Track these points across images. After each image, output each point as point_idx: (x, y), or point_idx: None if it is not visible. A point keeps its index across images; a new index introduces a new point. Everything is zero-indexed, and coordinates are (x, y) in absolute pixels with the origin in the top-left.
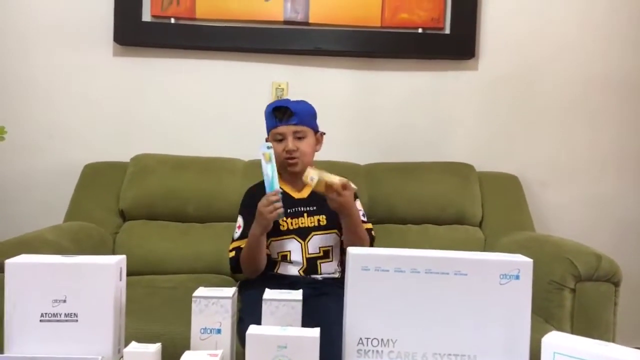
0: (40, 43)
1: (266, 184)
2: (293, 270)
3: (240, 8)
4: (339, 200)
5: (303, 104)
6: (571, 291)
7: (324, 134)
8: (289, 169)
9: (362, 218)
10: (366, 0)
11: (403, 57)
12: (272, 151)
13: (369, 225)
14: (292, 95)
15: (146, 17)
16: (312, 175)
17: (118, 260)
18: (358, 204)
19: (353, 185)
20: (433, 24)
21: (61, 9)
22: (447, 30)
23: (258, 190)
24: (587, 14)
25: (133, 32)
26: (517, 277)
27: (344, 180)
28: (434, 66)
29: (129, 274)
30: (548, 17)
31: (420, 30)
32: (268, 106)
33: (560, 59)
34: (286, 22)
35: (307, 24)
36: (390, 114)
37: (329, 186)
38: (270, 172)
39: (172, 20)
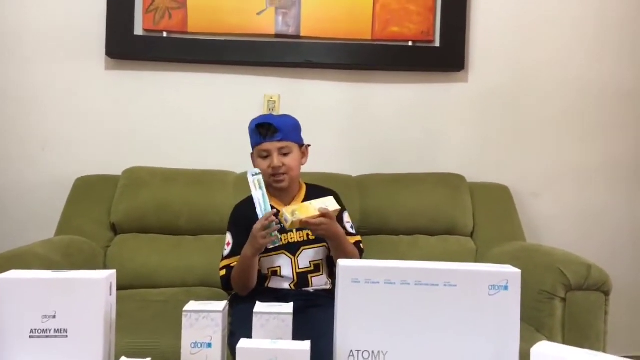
0: (32, 56)
1: (258, 211)
2: (284, 285)
3: (232, 22)
4: (319, 232)
5: (286, 118)
6: (562, 300)
7: (309, 146)
8: (275, 185)
9: (351, 230)
10: (357, 13)
11: (394, 69)
12: (260, 177)
13: (358, 238)
14: (284, 108)
15: (138, 31)
16: (286, 217)
17: (108, 275)
18: (346, 217)
19: (334, 207)
20: (423, 37)
21: (53, 23)
22: (437, 43)
23: (246, 206)
24: (577, 25)
25: (125, 46)
26: (506, 288)
27: (323, 209)
28: (424, 78)
29: (120, 287)
30: (538, 28)
31: (410, 43)
32: (251, 122)
33: (550, 70)
34: (278, 36)
35: (298, 37)
36: (382, 125)
37: (305, 222)
38: (260, 197)
39: (164, 34)
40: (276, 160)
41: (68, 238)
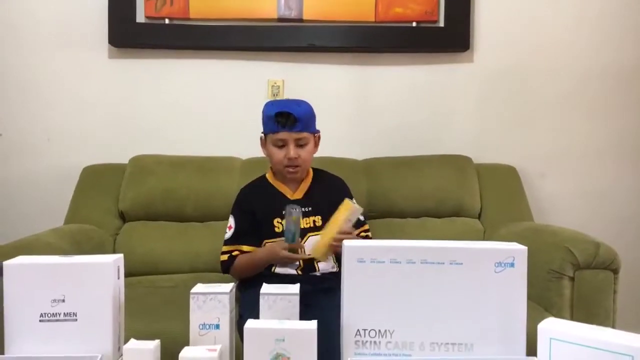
0: (36, 47)
1: (287, 237)
2: (290, 270)
3: (234, 6)
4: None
5: (305, 106)
6: (570, 279)
7: (319, 132)
8: (289, 176)
9: (361, 219)
10: None
11: (398, 51)
12: (299, 215)
13: (366, 227)
14: (289, 93)
15: (140, 18)
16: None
17: (115, 259)
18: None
19: (358, 213)
20: (427, 17)
21: (56, 13)
22: (441, 24)
23: (251, 190)
24: (581, 5)
25: (128, 34)
26: (512, 265)
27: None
28: (429, 59)
29: (129, 274)
30: (543, 7)
31: (414, 24)
32: (268, 107)
33: (556, 50)
34: (280, 20)
35: (300, 20)
36: (387, 108)
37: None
38: (293, 230)
39: (166, 21)
40: (292, 151)
41: (77, 226)
